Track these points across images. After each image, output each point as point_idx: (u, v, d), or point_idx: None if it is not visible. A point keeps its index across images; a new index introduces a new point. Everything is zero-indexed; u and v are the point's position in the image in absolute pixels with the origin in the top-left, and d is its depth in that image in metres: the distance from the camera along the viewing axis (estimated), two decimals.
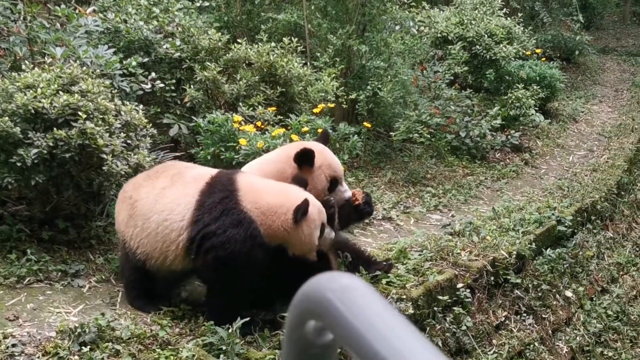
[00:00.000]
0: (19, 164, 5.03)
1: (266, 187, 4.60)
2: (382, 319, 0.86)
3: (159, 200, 4.63)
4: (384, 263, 5.69)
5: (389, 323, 0.86)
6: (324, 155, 5.20)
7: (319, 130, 7.21)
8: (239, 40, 8.13)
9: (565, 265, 7.43)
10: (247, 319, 4.56)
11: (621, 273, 8.66)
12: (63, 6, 6.72)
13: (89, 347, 4.18)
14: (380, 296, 0.92)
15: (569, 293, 7.30)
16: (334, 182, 5.17)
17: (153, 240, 4.60)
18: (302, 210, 4.45)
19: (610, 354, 7.26)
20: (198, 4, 8.79)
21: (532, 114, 10.87)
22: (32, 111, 5.07)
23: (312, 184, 5.04)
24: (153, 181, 4.79)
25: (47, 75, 5.37)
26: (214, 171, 4.75)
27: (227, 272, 4.49)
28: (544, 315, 6.78)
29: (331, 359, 1.00)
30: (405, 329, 0.86)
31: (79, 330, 4.28)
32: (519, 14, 13.26)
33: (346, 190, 5.28)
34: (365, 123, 8.63)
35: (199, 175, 4.68)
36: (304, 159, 5.03)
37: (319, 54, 8.91)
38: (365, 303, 0.89)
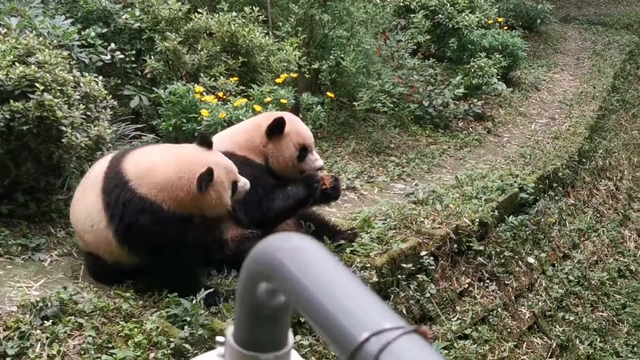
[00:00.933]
0: None
1: (161, 163, 4.54)
2: (333, 279, 0.85)
3: (81, 211, 4.71)
4: (349, 232, 5.71)
5: (340, 282, 0.85)
6: (293, 124, 5.21)
7: (282, 101, 7.19)
8: (199, 10, 8.03)
9: (527, 232, 7.52)
10: (211, 289, 4.56)
11: (582, 239, 8.80)
12: None
13: (51, 321, 4.14)
14: (331, 255, 0.91)
15: (531, 259, 7.39)
16: (303, 151, 5.15)
17: (99, 245, 4.67)
18: (205, 179, 4.42)
19: (571, 318, 7.39)
20: None
21: (495, 83, 10.92)
22: None
23: (280, 151, 5.09)
24: (73, 200, 4.91)
25: (2, 47, 5.26)
26: (105, 164, 4.69)
27: (160, 253, 4.53)
28: (506, 282, 6.86)
29: (284, 320, 0.99)
30: (355, 287, 0.85)
31: (40, 304, 4.23)
32: None
33: (317, 159, 5.25)
34: (328, 93, 8.61)
35: (97, 174, 4.68)
36: (275, 127, 5.07)
37: (280, 24, 8.84)
38: (316, 263, 0.88)
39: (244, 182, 4.73)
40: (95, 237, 4.63)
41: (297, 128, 5.21)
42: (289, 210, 5.15)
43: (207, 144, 4.64)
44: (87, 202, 4.66)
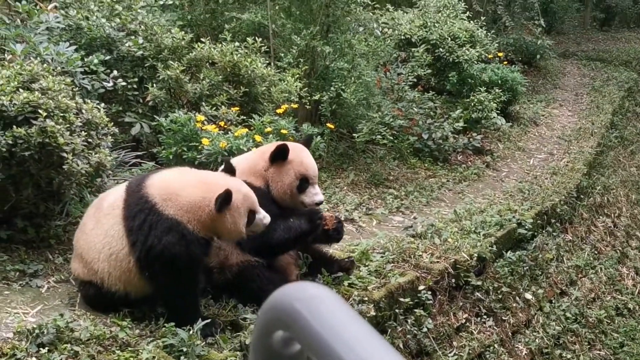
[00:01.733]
0: None
1: (183, 185, 4.63)
2: (349, 329, 0.85)
3: (96, 240, 4.71)
4: (346, 260, 5.70)
5: (356, 333, 0.85)
6: (298, 153, 5.22)
7: (283, 131, 7.22)
8: (202, 40, 8.07)
9: (525, 268, 7.52)
10: (209, 320, 4.54)
11: (580, 276, 8.78)
12: (24, 2, 6.62)
13: (47, 348, 4.11)
14: (347, 306, 0.91)
15: (528, 295, 7.38)
16: (303, 182, 5.13)
17: (111, 273, 4.68)
18: (222, 199, 4.48)
19: (568, 356, 7.36)
20: (161, 2, 8.72)
21: (494, 117, 10.98)
22: None
23: (280, 177, 5.10)
24: (82, 229, 4.89)
25: (7, 72, 5.28)
26: (122, 192, 4.75)
27: (175, 275, 4.56)
28: (504, 318, 6.84)
29: None
30: (372, 338, 0.85)
31: (37, 331, 4.21)
32: (482, 18, 13.36)
33: (317, 194, 5.20)
34: (328, 124, 8.64)
35: (114, 202, 4.72)
36: (278, 154, 5.10)
37: (282, 55, 8.89)
38: (332, 313, 0.88)
39: (263, 216, 4.74)
40: (112, 265, 4.64)
41: (302, 158, 5.21)
42: (289, 242, 5.14)
43: (230, 170, 4.79)
44: (103, 230, 4.67)
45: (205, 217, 4.53)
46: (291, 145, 5.26)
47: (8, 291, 4.88)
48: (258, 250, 5.06)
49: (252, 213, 4.69)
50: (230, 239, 4.80)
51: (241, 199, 4.62)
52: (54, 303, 4.84)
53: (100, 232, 4.70)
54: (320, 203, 5.28)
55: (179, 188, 4.60)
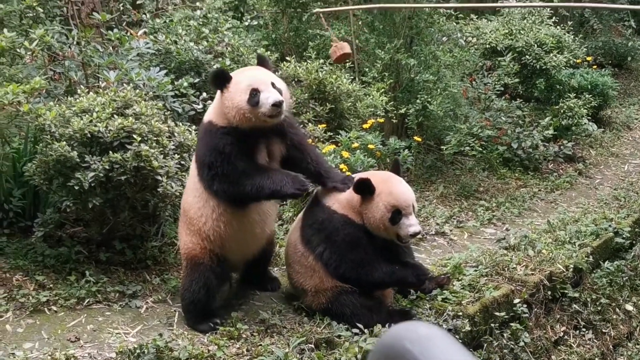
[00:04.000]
0: (76, 188, 5.12)
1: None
2: None
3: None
4: (442, 276, 5.66)
5: None
6: (386, 184, 5.04)
7: (370, 146, 7.23)
8: (287, 58, 8.17)
9: (624, 278, 7.28)
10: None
11: None
12: (115, 30, 6.83)
13: None
14: (458, 344, 0.91)
15: (629, 306, 7.14)
16: (395, 213, 4.92)
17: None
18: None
19: None
20: (246, 23, 8.86)
21: (585, 123, 10.70)
22: (89, 135, 5.16)
23: (371, 212, 4.96)
24: None
25: (102, 99, 5.46)
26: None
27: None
28: (604, 330, 6.65)
29: None
30: None
31: (137, 351, 4.33)
32: (569, 22, 13.09)
33: (411, 225, 4.92)
34: (415, 137, 8.59)
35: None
36: (361, 188, 4.96)
37: (367, 69, 8.91)
38: (443, 352, 0.87)
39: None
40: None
41: (390, 188, 5.00)
42: (386, 285, 5.13)
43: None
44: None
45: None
46: (378, 175, 5.15)
47: (109, 312, 5.03)
48: (349, 279, 5.07)
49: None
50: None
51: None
52: (152, 323, 4.97)
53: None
54: (417, 234, 5.05)
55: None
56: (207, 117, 4.90)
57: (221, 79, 4.78)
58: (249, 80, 4.74)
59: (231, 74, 4.85)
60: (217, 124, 4.79)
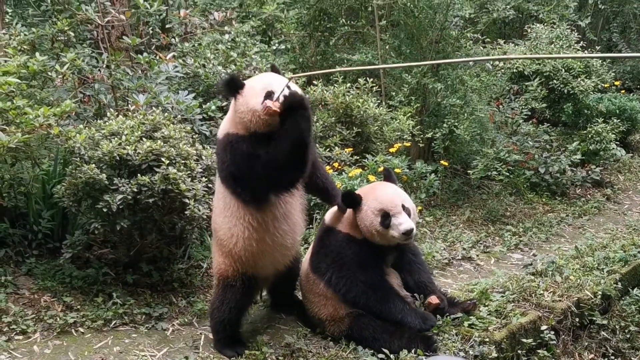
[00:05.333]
0: (104, 210, 5.16)
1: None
2: None
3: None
4: (468, 302, 5.61)
5: None
6: (372, 190, 5.16)
7: (396, 170, 7.23)
8: (314, 82, 8.20)
9: None
10: None
11: None
12: (145, 53, 6.90)
13: None
14: None
15: None
16: (384, 217, 4.96)
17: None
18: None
19: None
20: (274, 47, 8.92)
21: (613, 148, 10.63)
22: (117, 158, 5.20)
23: (362, 222, 5.03)
24: None
25: (131, 122, 5.52)
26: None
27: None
28: (632, 358, 6.55)
29: None
30: None
31: None
32: (597, 47, 13.04)
33: (402, 223, 4.92)
34: (442, 161, 8.58)
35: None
36: (348, 200, 5.07)
37: (394, 93, 8.93)
38: None
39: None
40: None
41: (375, 194, 5.08)
42: (392, 319, 5.07)
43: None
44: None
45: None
46: (366, 186, 5.28)
47: (135, 334, 5.05)
48: (357, 303, 5.07)
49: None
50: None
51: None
52: (178, 345, 4.98)
53: None
54: (410, 231, 4.96)
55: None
56: (222, 131, 4.81)
57: (234, 86, 4.70)
58: (264, 83, 4.69)
59: (244, 81, 4.80)
60: (235, 133, 4.69)
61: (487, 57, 9.35)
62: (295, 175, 4.72)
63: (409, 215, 5.01)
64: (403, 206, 5.01)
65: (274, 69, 5.07)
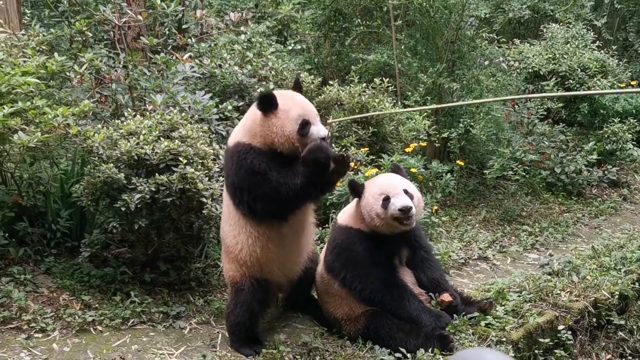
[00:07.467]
0: (122, 209, 5.19)
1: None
2: None
3: None
4: (484, 301, 5.60)
5: None
6: (374, 179, 5.21)
7: (412, 170, 7.22)
8: (330, 82, 8.22)
9: None
10: None
11: None
12: (162, 54, 6.94)
13: None
14: None
15: None
16: (385, 200, 4.98)
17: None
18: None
19: None
20: (290, 47, 8.95)
21: (630, 148, 10.58)
22: (135, 157, 5.23)
23: (365, 209, 5.05)
24: None
25: (149, 122, 5.55)
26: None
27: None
28: None
29: None
30: None
31: None
32: (613, 46, 12.98)
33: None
34: (458, 161, 8.57)
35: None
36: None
37: (409, 93, 8.93)
38: None
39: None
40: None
41: (377, 181, 5.19)
42: (407, 317, 5.04)
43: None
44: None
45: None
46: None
47: (153, 332, 5.07)
48: (380, 304, 5.09)
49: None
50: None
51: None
52: (196, 344, 4.99)
53: None
54: (407, 208, 4.91)
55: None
56: (233, 140, 4.77)
57: (269, 104, 4.63)
58: (300, 109, 4.69)
59: (277, 99, 4.69)
60: (248, 144, 4.65)
61: (503, 98, 9.18)
62: (296, 208, 4.83)
63: (412, 200, 5.03)
64: (406, 191, 5.04)
65: (296, 84, 5.03)
